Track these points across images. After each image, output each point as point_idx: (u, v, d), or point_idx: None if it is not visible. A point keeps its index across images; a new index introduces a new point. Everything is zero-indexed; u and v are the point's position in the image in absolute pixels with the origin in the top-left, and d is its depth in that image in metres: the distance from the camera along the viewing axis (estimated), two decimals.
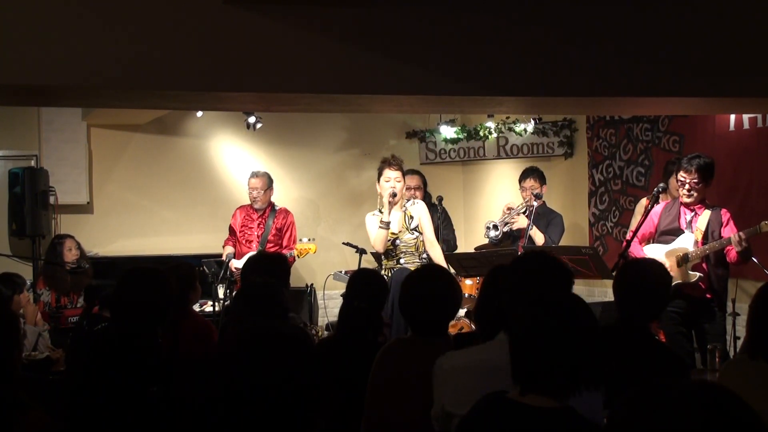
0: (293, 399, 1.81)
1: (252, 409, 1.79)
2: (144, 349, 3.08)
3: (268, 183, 6.68)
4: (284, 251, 6.44)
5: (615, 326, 3.16)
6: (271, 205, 6.72)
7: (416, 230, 5.25)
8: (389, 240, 5.29)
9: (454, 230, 7.02)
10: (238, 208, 6.83)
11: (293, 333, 1.94)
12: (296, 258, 6.48)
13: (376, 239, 5.34)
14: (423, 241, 5.28)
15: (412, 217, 5.26)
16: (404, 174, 5.41)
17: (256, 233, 6.60)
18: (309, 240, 6.56)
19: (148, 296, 3.17)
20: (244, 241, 6.63)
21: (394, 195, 5.28)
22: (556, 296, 2.18)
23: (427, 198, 6.51)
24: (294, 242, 6.60)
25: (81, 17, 3.48)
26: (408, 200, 5.38)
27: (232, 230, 6.75)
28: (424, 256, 5.26)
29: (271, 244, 6.57)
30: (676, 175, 5.01)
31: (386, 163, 5.37)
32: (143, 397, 2.97)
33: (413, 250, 5.25)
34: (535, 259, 3.01)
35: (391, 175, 5.32)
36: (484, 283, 3.15)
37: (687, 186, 4.90)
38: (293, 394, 1.81)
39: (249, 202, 6.76)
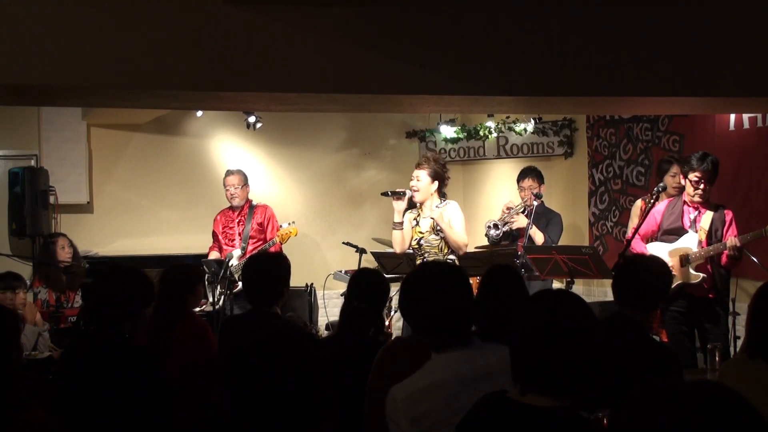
0: (296, 402, 1.80)
1: (255, 412, 1.79)
2: (114, 345, 3.06)
3: (244, 180, 6.67)
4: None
5: (609, 319, 3.17)
6: (249, 202, 6.71)
7: (443, 233, 5.22)
8: (415, 239, 5.27)
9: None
10: (217, 214, 6.79)
11: (296, 334, 1.93)
12: (281, 244, 6.48)
13: (393, 240, 5.35)
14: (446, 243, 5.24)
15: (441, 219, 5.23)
16: (429, 170, 5.32)
17: (237, 231, 6.60)
18: (289, 224, 6.57)
19: (112, 291, 3.15)
20: (226, 241, 6.61)
21: (399, 194, 5.28)
22: (555, 296, 2.19)
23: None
24: (276, 232, 6.61)
25: (81, 17, 3.47)
26: (442, 201, 5.33)
27: (215, 235, 6.73)
28: (450, 257, 5.24)
29: (254, 240, 6.55)
30: (686, 176, 4.97)
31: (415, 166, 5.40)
32: (133, 397, 2.96)
33: (437, 251, 5.23)
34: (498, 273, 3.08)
35: (413, 174, 5.33)
36: (482, 283, 3.15)
37: (702, 185, 4.88)
38: (296, 397, 1.80)
39: (228, 206, 6.72)
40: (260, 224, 6.60)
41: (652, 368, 2.93)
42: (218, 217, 6.77)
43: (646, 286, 3.21)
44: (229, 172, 6.72)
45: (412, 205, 5.49)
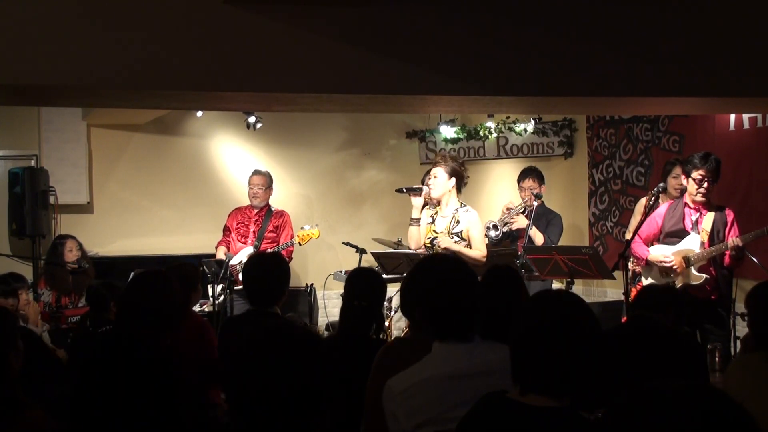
0: (299, 401, 1.80)
1: (258, 410, 1.78)
2: (146, 353, 3.07)
3: (269, 182, 6.74)
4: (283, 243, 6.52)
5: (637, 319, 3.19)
6: (268, 206, 6.74)
7: (458, 236, 5.19)
8: (428, 237, 5.25)
9: None
10: (234, 210, 6.84)
11: (295, 332, 1.92)
12: (300, 244, 6.52)
13: (409, 236, 5.32)
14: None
15: (458, 222, 5.21)
16: (447, 167, 5.30)
17: (252, 229, 6.62)
18: (312, 226, 6.58)
19: (154, 301, 3.17)
20: (239, 237, 6.64)
21: (415, 190, 5.27)
22: (555, 296, 2.19)
23: None
24: (291, 237, 6.61)
25: (81, 17, 3.48)
26: (463, 205, 5.31)
27: (227, 230, 6.75)
28: None
29: (269, 240, 6.59)
30: (688, 176, 4.96)
31: (432, 164, 5.39)
32: (144, 399, 2.96)
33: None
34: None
35: (431, 172, 5.33)
36: (481, 284, 3.14)
37: (705, 185, 4.87)
38: (299, 396, 1.80)
39: (246, 204, 6.78)
40: (276, 227, 6.64)
41: (678, 362, 2.93)
42: (234, 213, 6.80)
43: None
44: (256, 172, 6.78)
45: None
